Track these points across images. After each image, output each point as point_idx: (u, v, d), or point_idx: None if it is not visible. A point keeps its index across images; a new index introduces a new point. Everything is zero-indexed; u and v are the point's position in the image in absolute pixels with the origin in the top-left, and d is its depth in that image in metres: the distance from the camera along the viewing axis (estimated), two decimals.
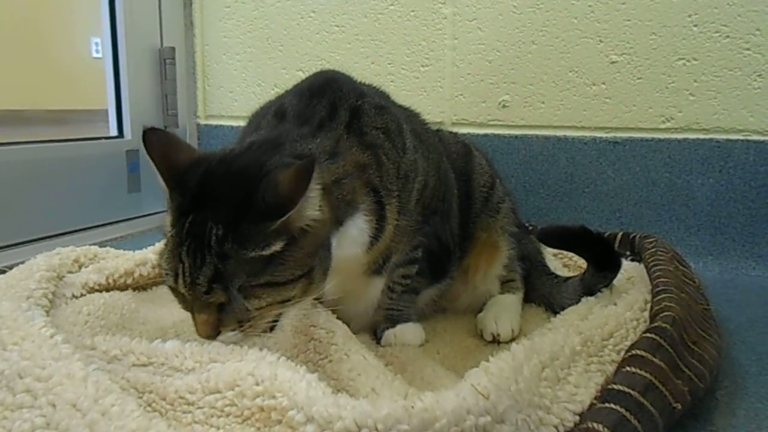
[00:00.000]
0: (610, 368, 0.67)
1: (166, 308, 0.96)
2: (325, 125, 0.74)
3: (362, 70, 1.52)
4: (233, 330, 0.65)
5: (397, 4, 1.45)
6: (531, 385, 0.58)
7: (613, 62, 1.29)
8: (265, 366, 0.58)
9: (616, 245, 1.22)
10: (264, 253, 0.61)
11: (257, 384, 0.56)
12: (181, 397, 0.59)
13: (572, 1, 1.30)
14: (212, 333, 0.65)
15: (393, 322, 0.85)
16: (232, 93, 1.68)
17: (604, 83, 1.30)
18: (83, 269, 0.97)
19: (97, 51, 5.53)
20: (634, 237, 1.19)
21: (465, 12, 1.39)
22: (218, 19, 1.66)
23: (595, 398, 0.60)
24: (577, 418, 0.58)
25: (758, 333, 0.92)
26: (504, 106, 1.39)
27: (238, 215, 0.61)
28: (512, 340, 0.88)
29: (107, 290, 0.95)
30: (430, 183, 0.83)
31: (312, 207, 0.62)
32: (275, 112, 0.78)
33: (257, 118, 0.81)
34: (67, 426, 0.50)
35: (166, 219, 0.67)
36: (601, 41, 1.29)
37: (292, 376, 0.55)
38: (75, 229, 1.42)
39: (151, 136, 0.67)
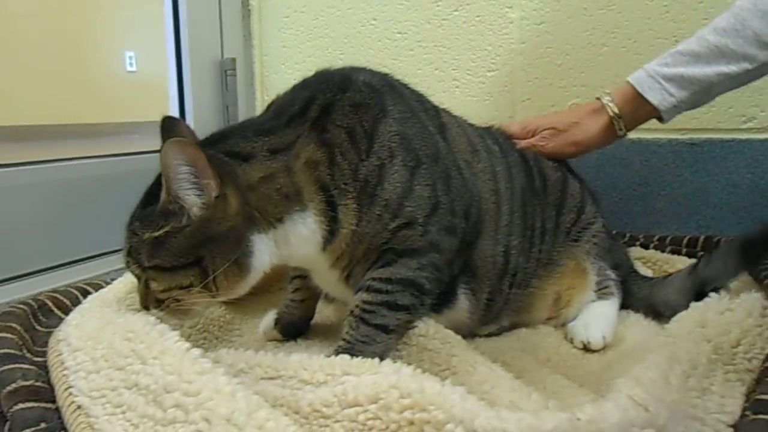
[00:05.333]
0: (747, 377, 0.65)
1: (258, 318, 0.96)
2: (293, 121, 0.76)
3: (425, 77, 1.52)
4: (156, 308, 0.72)
5: (462, 9, 1.44)
6: (683, 396, 0.56)
7: None
8: (408, 378, 0.57)
9: (698, 248, 1.20)
10: (153, 234, 0.69)
11: (403, 397, 0.55)
12: (315, 411, 0.59)
13: (646, 2, 1.28)
14: (143, 304, 0.73)
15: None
16: None
17: None
18: None
19: (131, 65, 5.62)
20: (719, 240, 1.17)
21: (532, 16, 1.38)
22: (277, 29, 1.66)
23: (745, 409, 0.58)
24: (731, 430, 0.56)
25: None
26: None
27: (148, 200, 0.72)
28: (604, 348, 0.86)
29: None
30: (422, 192, 0.76)
31: (181, 189, 0.67)
32: (269, 104, 0.82)
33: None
34: None
35: None
36: (677, 41, 1.24)
37: (442, 389, 0.54)
38: None
39: (165, 127, 0.80)
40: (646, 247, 1.23)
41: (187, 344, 0.61)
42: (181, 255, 0.69)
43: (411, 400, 0.54)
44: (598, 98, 1.02)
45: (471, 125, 0.98)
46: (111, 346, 0.63)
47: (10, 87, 4.18)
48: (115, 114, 5.05)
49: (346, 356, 0.65)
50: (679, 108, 0.96)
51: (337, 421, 0.57)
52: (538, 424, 0.48)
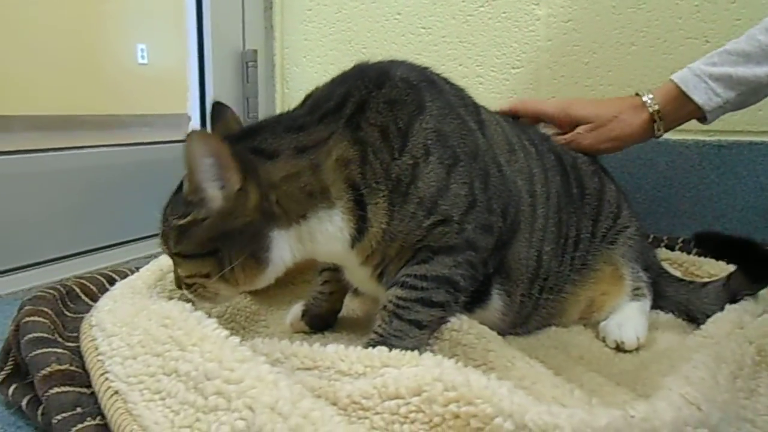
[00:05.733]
0: None
1: (284, 310, 0.96)
2: (327, 117, 0.74)
3: (449, 73, 1.47)
4: (187, 290, 0.74)
5: (488, 5, 1.43)
6: (732, 397, 0.55)
7: None
8: (452, 371, 0.56)
9: None
10: (179, 222, 0.70)
11: (447, 390, 0.54)
12: (354, 402, 0.58)
13: (677, 1, 1.27)
14: (176, 284, 0.77)
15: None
16: None
17: None
18: None
19: (142, 57, 5.62)
20: None
21: (560, 13, 1.36)
22: (299, 22, 1.65)
23: None
24: None
25: None
26: None
27: (180, 186, 0.71)
28: (638, 348, 0.85)
29: None
30: (459, 190, 0.75)
31: (204, 181, 0.68)
32: (305, 97, 0.80)
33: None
34: (271, 429, 0.49)
35: None
36: (707, 41, 1.26)
37: (489, 383, 0.53)
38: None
39: (215, 113, 0.82)
40: (671, 248, 1.22)
41: (226, 332, 0.60)
42: (199, 245, 0.70)
43: (456, 393, 0.53)
44: (637, 95, 1.00)
45: (508, 122, 0.95)
46: (147, 333, 0.62)
47: (22, 77, 4.18)
48: (126, 106, 5.06)
49: (384, 348, 0.64)
50: (724, 108, 0.94)
51: (377, 413, 0.56)
52: (591, 420, 0.47)
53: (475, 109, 0.86)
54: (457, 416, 0.52)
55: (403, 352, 0.62)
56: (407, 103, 0.75)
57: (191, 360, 0.56)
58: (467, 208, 0.74)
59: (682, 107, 0.96)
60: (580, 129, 0.99)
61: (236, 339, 0.59)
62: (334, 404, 0.58)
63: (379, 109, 0.74)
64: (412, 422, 0.55)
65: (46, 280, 1.07)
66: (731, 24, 1.23)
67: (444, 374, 0.55)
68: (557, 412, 0.48)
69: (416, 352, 0.62)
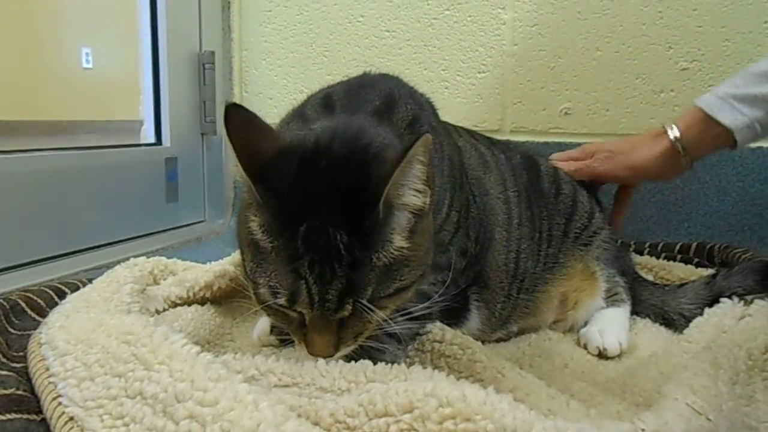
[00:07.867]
0: None
1: (250, 323, 0.90)
2: (382, 116, 0.70)
3: (414, 76, 1.46)
4: (350, 345, 0.60)
5: (453, 9, 1.41)
6: (735, 404, 0.53)
7: (683, 69, 1.26)
8: (446, 385, 0.52)
9: (691, 255, 1.19)
10: (392, 251, 0.56)
11: (442, 406, 0.50)
12: (339, 422, 0.53)
13: (641, 8, 1.27)
14: (332, 352, 0.59)
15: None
16: (272, 100, 1.62)
17: (672, 90, 1.28)
18: (162, 282, 0.90)
19: (87, 61, 5.40)
20: (712, 247, 1.17)
21: (526, 17, 1.36)
22: (258, 24, 1.60)
23: None
24: None
25: None
26: (566, 114, 1.35)
27: (357, 214, 0.55)
28: (620, 354, 0.84)
29: (188, 304, 0.89)
30: (454, 217, 0.77)
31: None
32: (323, 102, 0.76)
33: (302, 110, 0.78)
34: None
35: (254, 223, 0.57)
36: (670, 48, 1.27)
37: (488, 397, 0.49)
38: (112, 241, 1.34)
39: (233, 116, 0.56)
40: (640, 253, 1.22)
41: (197, 348, 0.55)
42: (419, 266, 0.61)
43: (452, 409, 0.49)
44: (663, 126, 0.97)
45: (480, 137, 0.99)
46: (106, 350, 0.56)
47: None
48: (69, 112, 4.84)
49: (368, 362, 0.60)
50: (753, 129, 0.89)
51: None
52: None
53: (448, 133, 0.87)
54: None
55: (390, 365, 0.58)
56: (434, 129, 0.77)
57: (159, 380, 0.51)
58: (454, 233, 0.77)
59: (707, 131, 0.92)
60: (597, 156, 0.99)
61: (208, 356, 0.54)
62: (317, 424, 0.54)
63: (425, 129, 0.74)
64: None
65: None
66: (693, 30, 1.25)
67: (437, 389, 0.51)
68: (564, 426, 0.45)
69: (403, 365, 0.58)
